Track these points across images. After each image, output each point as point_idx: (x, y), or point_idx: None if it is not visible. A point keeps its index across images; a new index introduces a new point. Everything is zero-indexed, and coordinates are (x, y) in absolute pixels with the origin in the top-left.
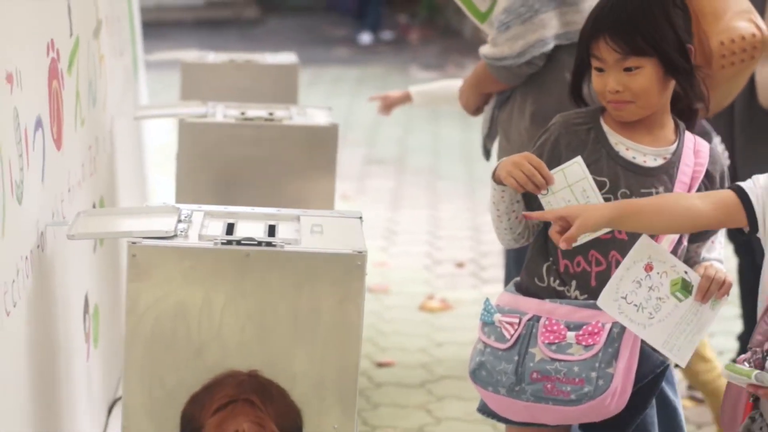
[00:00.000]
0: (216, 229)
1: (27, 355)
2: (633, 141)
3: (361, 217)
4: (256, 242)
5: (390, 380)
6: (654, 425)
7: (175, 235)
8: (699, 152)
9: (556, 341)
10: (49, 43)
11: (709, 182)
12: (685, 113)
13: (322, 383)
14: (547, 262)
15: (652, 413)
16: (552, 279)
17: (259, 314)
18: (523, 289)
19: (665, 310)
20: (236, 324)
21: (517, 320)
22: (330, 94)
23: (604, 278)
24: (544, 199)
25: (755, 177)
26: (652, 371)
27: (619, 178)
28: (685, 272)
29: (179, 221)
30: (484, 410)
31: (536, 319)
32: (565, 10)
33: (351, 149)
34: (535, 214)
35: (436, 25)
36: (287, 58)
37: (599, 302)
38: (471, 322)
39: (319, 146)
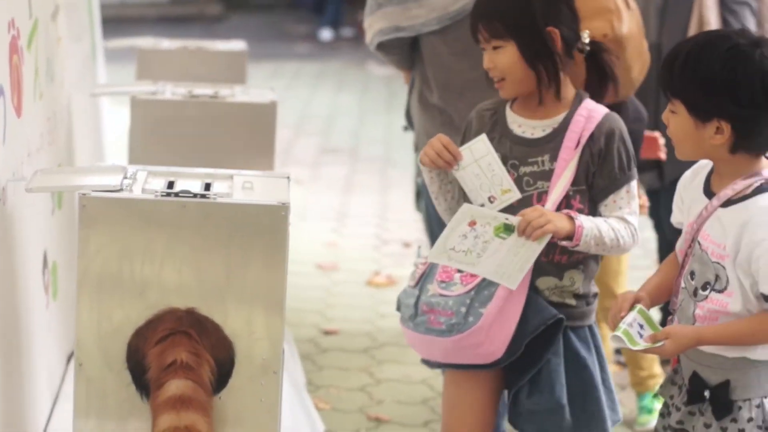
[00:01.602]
0: (158, 185)
1: None
2: (525, 118)
3: (288, 177)
4: (192, 194)
5: (335, 346)
6: (558, 375)
7: (121, 189)
8: (592, 118)
9: (446, 280)
10: (10, 22)
11: (593, 143)
12: (595, 89)
13: (251, 319)
14: None
15: (558, 365)
16: None
17: (195, 259)
18: None
19: (492, 248)
20: (174, 267)
21: (425, 261)
22: (289, 87)
23: None
24: (456, 174)
25: None
26: (543, 323)
27: (508, 151)
28: (506, 218)
29: (125, 178)
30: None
31: None
32: (410, 6)
33: (307, 139)
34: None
35: None
36: (237, 45)
37: (429, 257)
38: None
39: (260, 122)
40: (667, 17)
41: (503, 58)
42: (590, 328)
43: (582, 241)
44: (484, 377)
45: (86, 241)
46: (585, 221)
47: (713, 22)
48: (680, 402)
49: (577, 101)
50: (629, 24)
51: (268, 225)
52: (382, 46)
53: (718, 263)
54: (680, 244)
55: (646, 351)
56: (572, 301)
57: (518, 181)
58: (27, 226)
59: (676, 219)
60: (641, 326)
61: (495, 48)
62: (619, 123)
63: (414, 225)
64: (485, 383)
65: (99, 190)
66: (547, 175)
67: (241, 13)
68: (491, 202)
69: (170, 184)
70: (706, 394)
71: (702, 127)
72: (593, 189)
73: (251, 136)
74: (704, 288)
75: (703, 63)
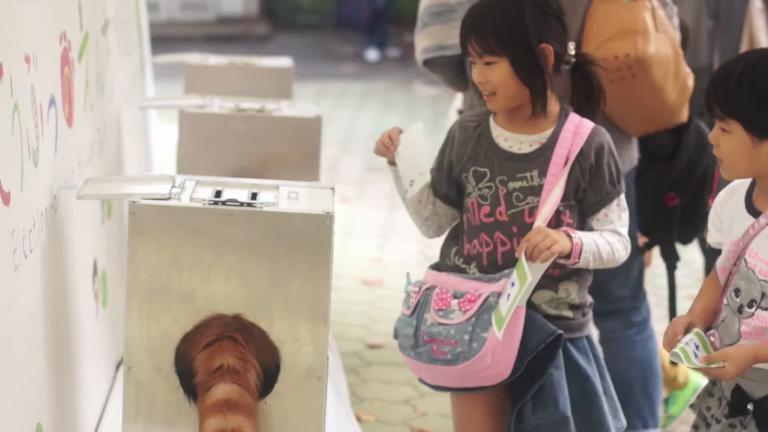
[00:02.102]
0: (205, 194)
1: (42, 298)
2: (512, 132)
3: (333, 188)
4: (239, 203)
5: (379, 360)
6: (561, 388)
7: (170, 197)
8: (579, 133)
9: (444, 308)
10: (61, 34)
11: (583, 159)
12: (583, 104)
13: (297, 326)
14: (456, 246)
15: (560, 378)
16: (457, 258)
17: (241, 266)
18: (435, 267)
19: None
20: (221, 274)
21: (417, 289)
22: (335, 106)
23: (492, 258)
24: (397, 160)
25: None
26: (543, 341)
27: (496, 166)
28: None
29: (173, 187)
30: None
31: (432, 288)
32: (453, 25)
33: (352, 157)
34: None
35: None
36: (283, 61)
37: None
38: None
39: (305, 136)
40: (717, 39)
41: (496, 74)
42: (588, 338)
43: (581, 258)
44: (491, 396)
45: (136, 248)
46: (584, 238)
47: (764, 42)
48: (720, 414)
49: (563, 116)
50: (658, 46)
51: (313, 234)
52: (428, 63)
53: (766, 281)
54: (722, 263)
55: (707, 372)
56: (569, 313)
57: (507, 197)
58: (77, 234)
59: (713, 239)
60: (697, 347)
61: (487, 63)
62: (607, 137)
63: None
64: (492, 402)
65: (148, 198)
66: (536, 191)
67: (288, 33)
68: (411, 186)
69: (217, 194)
70: (750, 407)
71: (759, 145)
72: (584, 204)
73: (297, 150)
74: (750, 305)
75: (759, 79)
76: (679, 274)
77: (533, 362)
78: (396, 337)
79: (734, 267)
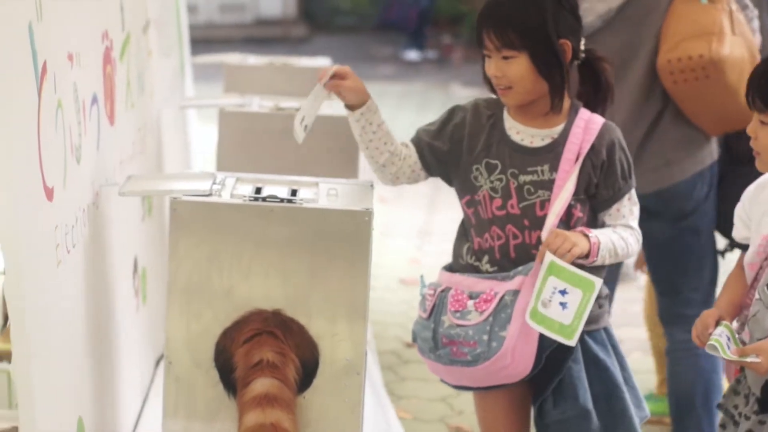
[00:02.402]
0: (246, 190)
1: (83, 293)
2: (525, 125)
3: (372, 185)
4: (279, 200)
5: (417, 358)
6: (581, 381)
7: (210, 194)
8: (589, 129)
9: (460, 309)
10: (104, 33)
11: (594, 155)
12: (592, 100)
13: (335, 321)
14: (468, 243)
15: (579, 371)
16: (469, 256)
17: (281, 262)
18: (449, 268)
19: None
20: (261, 270)
21: (432, 291)
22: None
23: (504, 251)
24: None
25: None
26: (550, 345)
27: (507, 159)
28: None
29: (214, 183)
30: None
31: (447, 290)
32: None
33: None
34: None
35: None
36: (322, 61)
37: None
38: None
39: (345, 135)
40: None
41: (514, 69)
42: (605, 330)
43: (599, 257)
44: (513, 393)
45: (176, 244)
46: (600, 236)
47: None
48: (749, 411)
49: (573, 112)
50: (733, 48)
51: (353, 230)
52: None
53: None
54: (751, 257)
55: (740, 364)
56: None
57: (518, 190)
58: (119, 231)
59: (740, 234)
60: (728, 339)
61: (505, 57)
62: (618, 133)
63: None
64: (515, 398)
65: (189, 194)
66: (547, 185)
67: (326, 35)
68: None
69: (258, 190)
70: None
71: None
72: (596, 199)
73: (336, 149)
74: None
75: None
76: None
77: (552, 357)
78: (414, 340)
79: (766, 261)
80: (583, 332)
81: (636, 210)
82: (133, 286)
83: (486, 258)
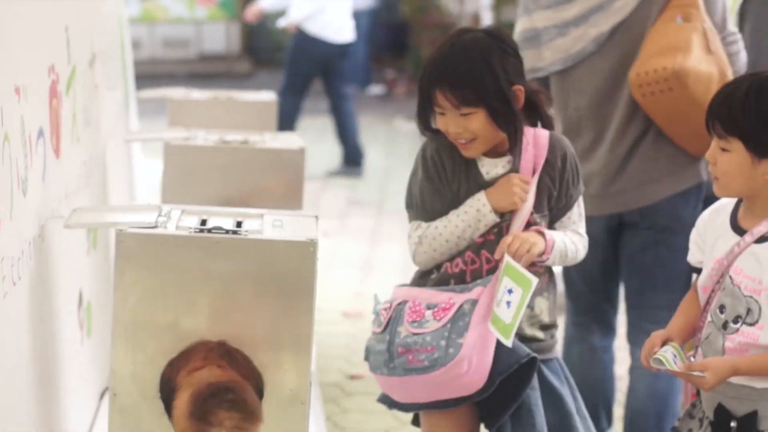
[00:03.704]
0: (191, 222)
1: (28, 325)
2: (487, 157)
3: (316, 217)
4: (224, 231)
5: (360, 390)
6: (538, 408)
7: (156, 226)
8: (538, 144)
9: (417, 319)
10: (50, 67)
11: (550, 169)
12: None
13: (280, 352)
14: (434, 273)
15: (536, 398)
16: (432, 283)
17: (226, 292)
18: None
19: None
20: (206, 300)
21: (388, 305)
22: (317, 142)
23: (476, 275)
24: None
25: None
26: (517, 361)
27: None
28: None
29: (160, 216)
30: (383, 400)
31: (404, 303)
32: (542, 49)
33: (334, 191)
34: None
35: None
36: (266, 95)
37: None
38: None
39: (289, 168)
40: None
41: (475, 124)
42: (558, 360)
43: (552, 255)
44: (461, 414)
45: (122, 276)
46: (554, 236)
47: None
48: None
49: (517, 131)
50: (700, 63)
51: (298, 261)
52: None
53: (752, 297)
54: (704, 281)
55: (687, 379)
56: (540, 334)
57: None
58: (64, 264)
59: (695, 258)
60: (674, 356)
61: (463, 114)
62: (565, 142)
63: None
64: (463, 420)
65: (135, 226)
66: None
67: (269, 70)
68: None
69: (203, 222)
70: (733, 424)
71: (757, 164)
72: (552, 210)
73: (281, 182)
74: (735, 321)
75: (764, 99)
76: None
77: (506, 383)
78: (367, 358)
79: (717, 285)
80: (539, 361)
81: (583, 215)
82: (77, 319)
83: (452, 281)
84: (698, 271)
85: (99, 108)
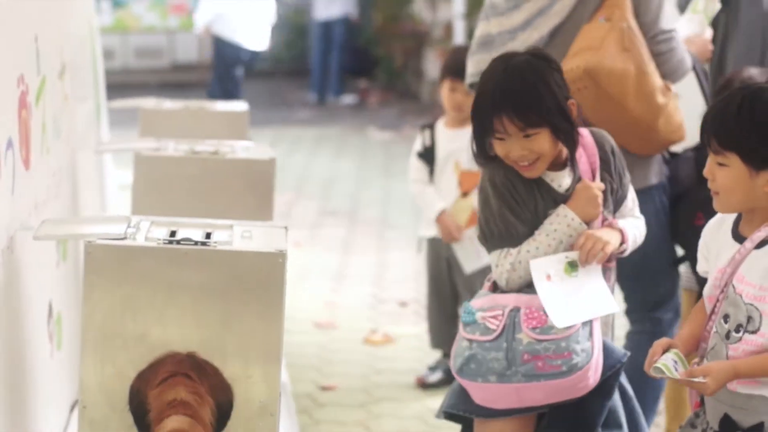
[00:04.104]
0: (160, 233)
1: None
2: (551, 171)
3: (286, 227)
4: (193, 242)
5: (332, 401)
6: (621, 413)
7: (125, 237)
8: (585, 144)
9: (540, 325)
10: (19, 78)
11: (606, 166)
12: None
13: (249, 363)
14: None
15: (618, 404)
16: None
17: (195, 304)
18: (494, 290)
19: (573, 290)
20: (176, 312)
21: (500, 312)
22: (290, 152)
23: None
24: None
25: None
26: (613, 365)
27: (555, 206)
28: (566, 257)
29: (129, 227)
30: (453, 410)
31: (516, 309)
32: (493, 54)
33: (307, 201)
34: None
35: (395, 89)
36: (238, 105)
37: (559, 324)
38: (411, 354)
39: (259, 178)
40: None
41: (540, 144)
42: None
43: (629, 243)
44: (531, 419)
45: (91, 287)
46: (626, 225)
47: None
48: None
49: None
50: (614, 61)
51: (267, 272)
52: (472, 86)
53: (752, 305)
54: (709, 291)
55: (688, 384)
56: (609, 335)
57: None
58: (33, 276)
59: (702, 268)
60: (676, 363)
61: (527, 136)
62: (606, 134)
63: (410, 284)
64: (529, 424)
65: (104, 238)
66: None
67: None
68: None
69: (172, 233)
70: None
71: (755, 176)
72: (614, 201)
73: (251, 192)
74: (737, 330)
75: (758, 110)
76: None
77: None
78: (463, 366)
79: (721, 294)
80: None
81: (636, 199)
82: (47, 332)
83: None
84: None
85: (69, 119)
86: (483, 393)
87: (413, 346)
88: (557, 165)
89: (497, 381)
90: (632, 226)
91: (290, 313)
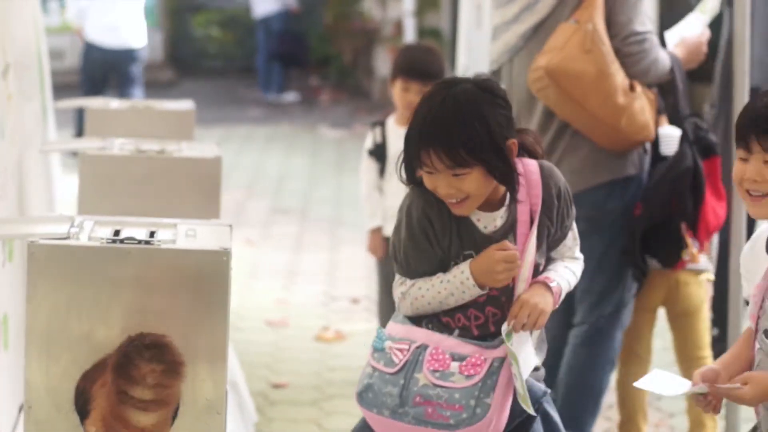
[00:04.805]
0: (104, 233)
1: None
2: (482, 211)
3: (230, 225)
4: (136, 241)
5: (284, 399)
6: None
7: (68, 237)
8: (530, 181)
9: (441, 369)
10: None
11: (547, 210)
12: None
13: (195, 362)
14: (426, 318)
15: (539, 429)
16: (431, 326)
17: (140, 303)
18: (412, 321)
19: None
20: (120, 311)
21: (406, 346)
22: (240, 150)
23: (484, 330)
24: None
25: None
26: (520, 414)
27: (480, 248)
28: (503, 330)
29: (72, 227)
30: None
31: (424, 347)
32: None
33: (258, 200)
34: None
35: (346, 87)
36: (184, 104)
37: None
38: (363, 351)
39: (205, 177)
40: None
41: (469, 184)
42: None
43: (560, 300)
44: None
45: (34, 287)
46: (559, 280)
47: None
48: None
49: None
50: (574, 62)
51: (211, 270)
52: (494, 74)
53: None
54: (750, 309)
55: (727, 395)
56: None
57: None
58: None
59: (746, 292)
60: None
61: (456, 175)
62: (555, 170)
63: (362, 282)
64: None
65: (47, 237)
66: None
67: (193, 79)
68: None
69: (116, 232)
70: None
71: None
72: (549, 244)
73: (197, 191)
74: None
75: None
76: None
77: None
78: (362, 393)
79: (761, 310)
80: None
81: (577, 238)
82: None
83: (457, 332)
84: None
85: (14, 119)
86: (378, 425)
87: (365, 342)
88: (492, 204)
89: (390, 417)
90: (568, 275)
91: (241, 311)
